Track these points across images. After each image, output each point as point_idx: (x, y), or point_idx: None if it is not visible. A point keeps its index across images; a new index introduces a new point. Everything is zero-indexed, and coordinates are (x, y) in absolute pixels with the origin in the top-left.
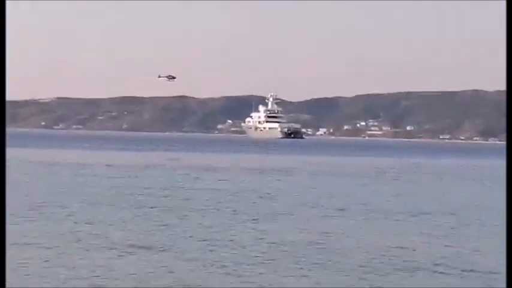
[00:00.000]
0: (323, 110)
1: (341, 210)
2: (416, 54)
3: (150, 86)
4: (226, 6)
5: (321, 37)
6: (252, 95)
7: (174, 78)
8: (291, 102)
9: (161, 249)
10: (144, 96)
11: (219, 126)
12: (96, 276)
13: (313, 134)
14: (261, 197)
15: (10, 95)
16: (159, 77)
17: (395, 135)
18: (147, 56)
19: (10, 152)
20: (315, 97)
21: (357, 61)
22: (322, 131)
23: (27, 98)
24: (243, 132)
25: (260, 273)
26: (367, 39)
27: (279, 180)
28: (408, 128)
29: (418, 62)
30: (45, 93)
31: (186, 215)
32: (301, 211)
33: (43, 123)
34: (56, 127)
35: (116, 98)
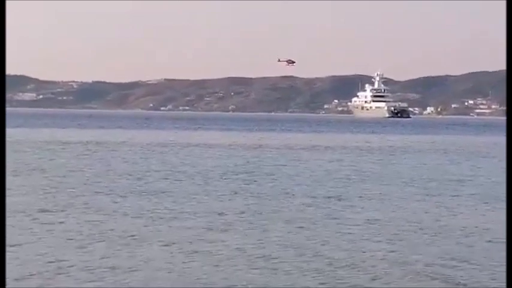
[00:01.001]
0: (431, 88)
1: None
2: None
3: (258, 66)
4: None
5: (429, 14)
6: (359, 75)
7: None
8: (398, 81)
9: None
10: (251, 76)
11: (326, 106)
12: None
13: (420, 113)
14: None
15: (119, 78)
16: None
17: (505, 113)
18: (258, 37)
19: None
20: (423, 75)
21: (467, 38)
22: (429, 109)
23: (136, 79)
24: (349, 111)
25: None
26: (478, 16)
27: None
28: None
29: None
30: (153, 74)
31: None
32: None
33: (151, 104)
34: (163, 108)
35: (222, 78)
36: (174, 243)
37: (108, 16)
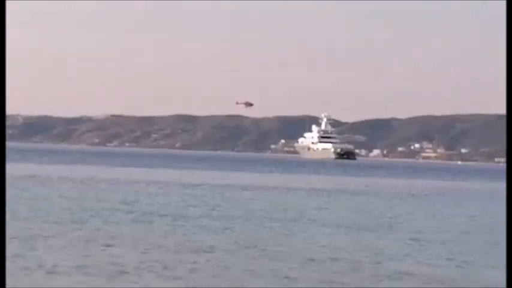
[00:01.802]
0: (377, 131)
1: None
2: (471, 76)
3: (204, 105)
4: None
5: (374, 56)
6: (306, 115)
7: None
8: (345, 122)
9: None
10: (198, 114)
11: (272, 146)
12: None
13: (367, 155)
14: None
15: (63, 112)
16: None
17: (450, 157)
18: (201, 76)
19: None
20: (369, 118)
21: (411, 82)
22: (375, 152)
23: (81, 114)
24: (296, 152)
25: None
26: (421, 60)
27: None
28: (463, 150)
29: (472, 83)
30: (99, 110)
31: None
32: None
33: (96, 140)
34: (109, 144)
35: (169, 116)
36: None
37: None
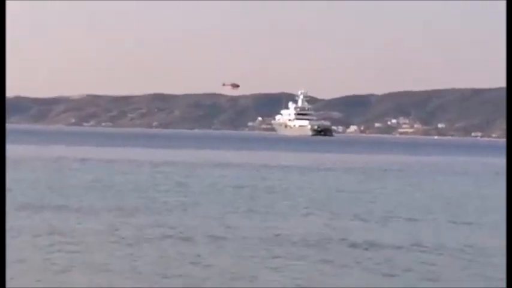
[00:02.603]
0: (354, 107)
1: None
2: (447, 51)
3: (180, 84)
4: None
5: (354, 31)
6: (283, 92)
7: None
8: (321, 99)
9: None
10: (175, 93)
11: (249, 123)
12: None
13: (344, 132)
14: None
15: (40, 93)
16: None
17: (427, 132)
18: (178, 55)
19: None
20: (346, 94)
21: (388, 58)
22: (352, 128)
23: (57, 95)
24: (273, 129)
25: None
26: (399, 36)
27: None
28: (439, 125)
29: (448, 58)
30: (75, 90)
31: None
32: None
33: (73, 120)
34: (85, 124)
35: (146, 95)
36: None
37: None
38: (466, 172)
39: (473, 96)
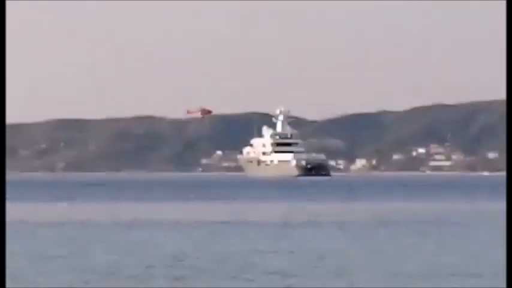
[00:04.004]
0: (360, 131)
1: None
2: (494, 55)
3: (101, 101)
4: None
5: (355, 24)
6: (253, 112)
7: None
8: (312, 121)
9: None
10: (91, 117)
11: (204, 160)
12: None
13: (347, 169)
14: None
15: None
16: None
17: (471, 166)
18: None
19: None
20: (348, 113)
21: (405, 57)
22: (359, 163)
23: None
24: (239, 168)
25: None
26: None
27: None
28: (490, 155)
29: (495, 65)
30: None
31: None
32: None
33: None
34: None
35: (47, 121)
36: None
37: None
38: None
39: None
